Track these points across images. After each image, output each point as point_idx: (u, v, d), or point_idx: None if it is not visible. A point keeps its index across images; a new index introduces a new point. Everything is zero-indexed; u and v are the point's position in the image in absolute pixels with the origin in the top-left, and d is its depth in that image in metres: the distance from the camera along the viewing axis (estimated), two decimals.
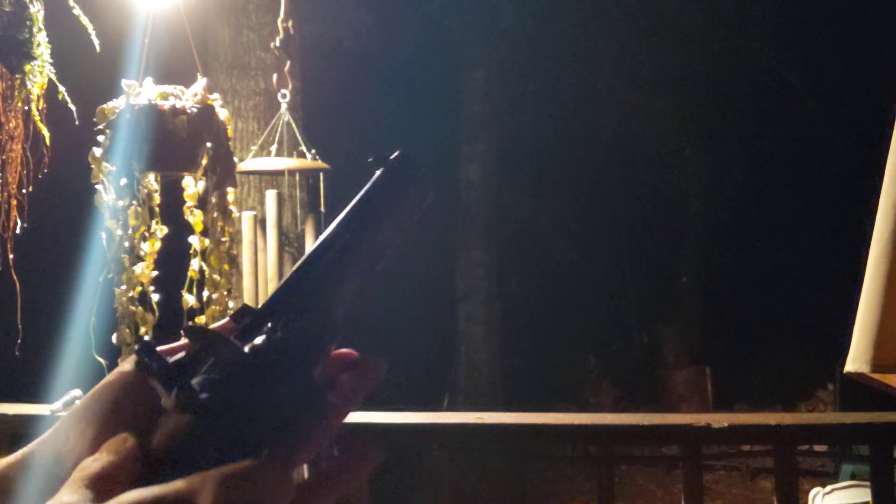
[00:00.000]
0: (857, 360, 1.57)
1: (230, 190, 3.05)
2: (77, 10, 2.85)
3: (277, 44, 3.71)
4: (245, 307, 0.49)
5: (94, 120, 2.92)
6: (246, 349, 0.46)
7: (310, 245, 3.32)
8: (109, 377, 0.51)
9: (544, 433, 2.91)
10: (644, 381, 10.65)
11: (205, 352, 0.46)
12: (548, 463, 7.60)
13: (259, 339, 0.46)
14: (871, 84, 7.71)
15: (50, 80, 2.79)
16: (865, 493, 3.27)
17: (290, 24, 3.70)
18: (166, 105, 2.89)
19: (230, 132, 3.12)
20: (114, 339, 2.90)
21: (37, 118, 2.78)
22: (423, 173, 0.57)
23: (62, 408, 2.84)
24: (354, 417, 0.52)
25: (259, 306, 0.49)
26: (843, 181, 10.00)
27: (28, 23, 2.61)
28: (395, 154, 0.58)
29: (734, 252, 11.54)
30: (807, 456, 5.42)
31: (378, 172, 0.57)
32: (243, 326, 0.48)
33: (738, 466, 8.04)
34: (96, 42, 2.90)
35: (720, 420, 2.67)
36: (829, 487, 5.02)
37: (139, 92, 2.92)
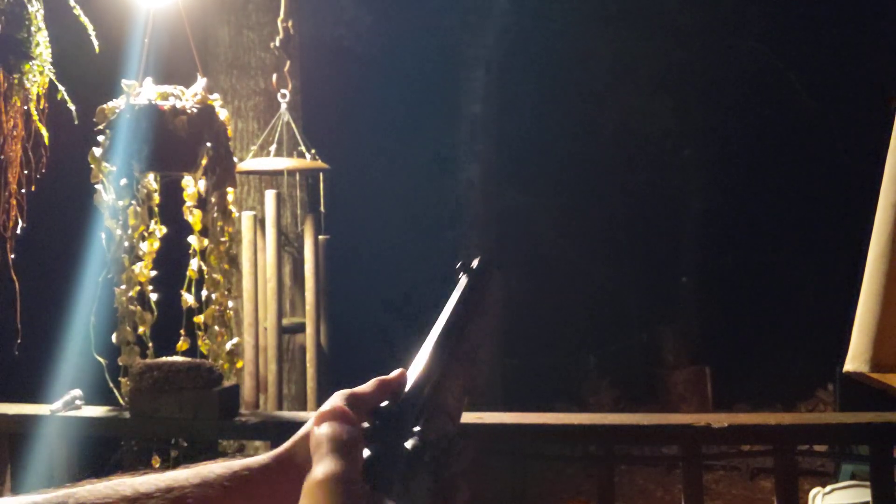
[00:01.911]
0: (856, 359, 1.57)
1: (230, 190, 3.05)
2: (77, 10, 2.85)
3: (277, 44, 3.71)
4: (389, 407, 0.60)
5: (94, 120, 2.92)
6: (408, 446, 0.57)
7: (309, 246, 3.32)
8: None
9: (544, 433, 2.91)
10: (644, 381, 10.64)
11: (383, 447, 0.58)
12: (548, 463, 7.60)
13: (415, 439, 0.57)
14: (870, 83, 7.71)
15: (50, 79, 2.79)
16: (865, 493, 3.26)
17: (290, 24, 3.70)
18: (166, 105, 2.90)
19: (230, 132, 3.12)
20: (114, 338, 2.90)
21: (36, 118, 2.78)
22: (497, 276, 0.71)
23: (62, 407, 2.84)
24: None
25: (402, 399, 0.60)
26: (842, 181, 10.00)
27: (27, 22, 2.61)
28: (476, 263, 0.70)
29: (734, 252, 11.52)
30: (807, 456, 5.40)
31: (463, 278, 0.69)
32: (392, 414, 0.59)
33: (738, 466, 8.03)
34: (95, 42, 2.90)
35: (720, 420, 2.67)
36: (829, 487, 5.02)
37: (139, 92, 2.92)
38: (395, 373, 0.64)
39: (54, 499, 0.61)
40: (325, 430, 0.57)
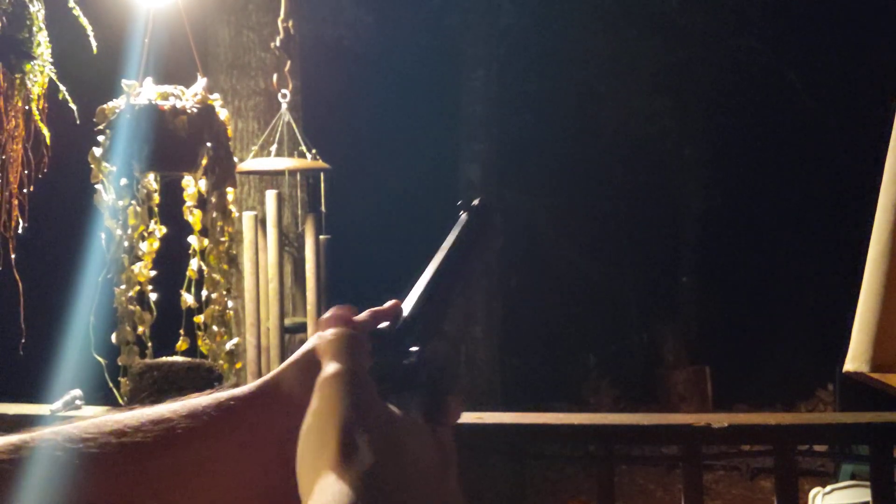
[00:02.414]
0: (856, 359, 1.57)
1: (230, 190, 3.05)
2: (77, 11, 2.85)
3: (277, 44, 3.71)
4: (387, 329, 0.63)
5: (95, 120, 2.92)
6: (405, 362, 0.59)
7: (310, 246, 3.32)
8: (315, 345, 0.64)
9: (544, 433, 2.91)
10: (644, 381, 10.65)
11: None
12: (548, 463, 7.60)
13: (412, 358, 0.60)
14: (870, 83, 7.71)
15: (50, 79, 2.79)
16: (865, 493, 3.26)
17: (290, 24, 3.70)
18: (166, 105, 2.90)
19: (230, 132, 3.12)
20: (113, 338, 2.90)
21: (37, 118, 2.78)
22: (497, 218, 0.73)
23: (62, 407, 2.84)
24: None
25: (405, 316, 0.63)
26: (842, 180, 10.00)
27: (28, 22, 2.61)
28: (478, 201, 0.73)
29: (734, 252, 11.53)
30: (807, 456, 5.41)
31: (463, 216, 0.72)
32: (401, 329, 0.62)
33: (738, 466, 8.03)
34: (94, 43, 2.90)
35: (720, 420, 2.67)
36: (829, 487, 5.02)
37: (139, 92, 2.92)
38: (389, 303, 0.66)
39: (45, 434, 0.61)
40: (333, 332, 0.60)
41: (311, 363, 0.62)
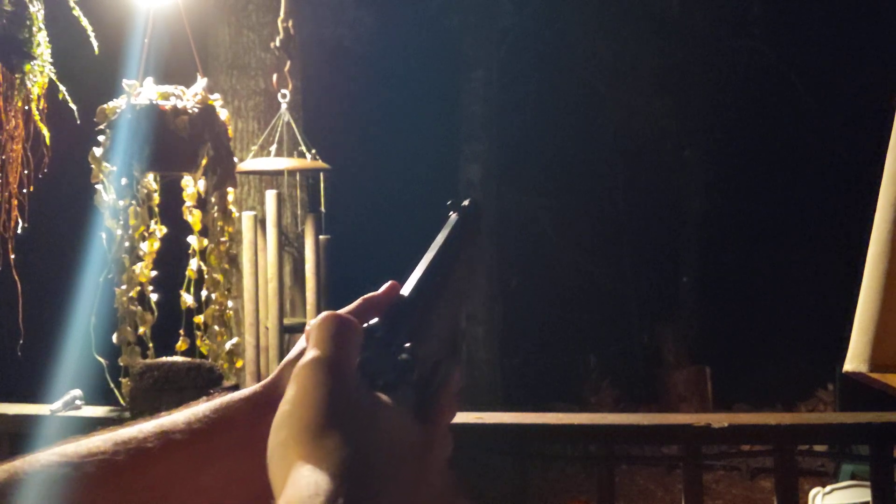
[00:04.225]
0: (855, 359, 1.57)
1: (230, 190, 3.05)
2: (77, 11, 2.85)
3: (277, 44, 3.71)
4: (380, 323, 0.59)
5: (95, 119, 2.92)
6: (398, 359, 0.56)
7: (310, 246, 3.32)
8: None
9: (544, 433, 2.91)
10: (644, 381, 10.64)
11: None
12: (548, 463, 7.60)
13: (405, 355, 0.57)
14: (870, 82, 7.71)
15: (50, 79, 2.79)
16: (865, 493, 3.27)
17: (290, 24, 3.70)
18: (167, 105, 2.90)
19: (230, 132, 3.12)
20: (114, 338, 2.90)
21: (37, 118, 2.78)
22: (482, 220, 0.74)
23: (62, 407, 2.84)
24: None
25: (393, 316, 0.60)
26: (842, 180, 10.00)
27: (28, 22, 2.61)
28: (468, 202, 0.73)
29: (734, 252, 11.53)
30: (807, 456, 5.42)
31: (453, 216, 0.72)
32: (382, 329, 0.58)
33: (738, 466, 8.03)
34: (95, 43, 2.90)
35: (720, 420, 2.68)
36: (829, 487, 5.02)
37: (140, 92, 2.92)
38: (385, 287, 0.64)
39: (49, 455, 0.61)
40: (320, 317, 0.57)
41: None
